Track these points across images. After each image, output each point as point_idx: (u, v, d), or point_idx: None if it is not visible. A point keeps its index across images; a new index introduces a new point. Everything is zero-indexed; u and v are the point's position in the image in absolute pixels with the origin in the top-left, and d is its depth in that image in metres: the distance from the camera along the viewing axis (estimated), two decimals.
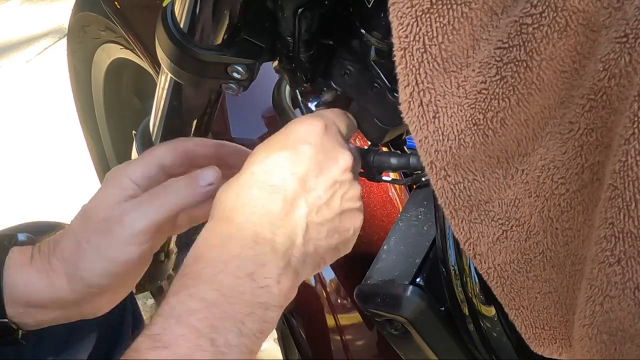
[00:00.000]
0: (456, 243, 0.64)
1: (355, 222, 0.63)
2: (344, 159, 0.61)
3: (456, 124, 0.50)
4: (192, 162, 0.68)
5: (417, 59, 0.49)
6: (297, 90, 0.86)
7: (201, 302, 0.53)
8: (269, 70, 0.73)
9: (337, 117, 0.64)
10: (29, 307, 0.67)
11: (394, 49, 0.49)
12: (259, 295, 0.55)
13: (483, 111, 0.50)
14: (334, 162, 0.60)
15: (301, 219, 0.58)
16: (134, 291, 1.28)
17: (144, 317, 1.23)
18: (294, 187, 0.58)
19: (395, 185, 0.96)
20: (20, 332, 0.69)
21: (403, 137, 0.78)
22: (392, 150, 0.80)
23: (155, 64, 1.00)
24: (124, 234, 0.63)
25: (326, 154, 0.60)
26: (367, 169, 0.72)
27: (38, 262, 0.67)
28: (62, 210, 1.24)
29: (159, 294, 1.35)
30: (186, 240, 1.03)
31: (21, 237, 0.71)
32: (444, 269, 0.68)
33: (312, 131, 0.60)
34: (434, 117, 0.50)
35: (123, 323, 1.03)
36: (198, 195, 0.64)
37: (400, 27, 0.48)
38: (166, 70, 0.73)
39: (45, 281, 0.66)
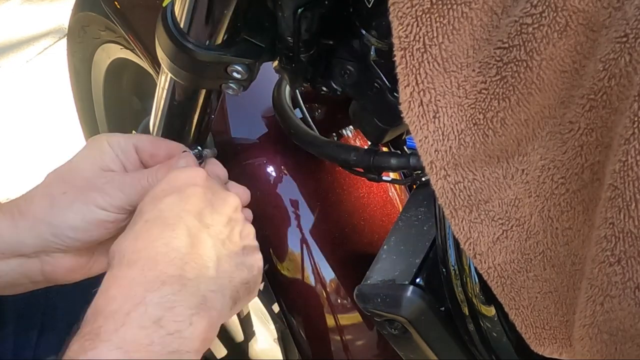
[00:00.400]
0: (456, 243, 0.64)
1: (257, 261, 0.63)
2: (233, 199, 0.63)
3: (456, 124, 0.50)
4: (162, 156, 0.68)
5: (417, 59, 0.49)
6: (297, 91, 0.86)
7: None
8: (269, 70, 0.73)
9: (213, 166, 0.67)
10: None
11: (394, 49, 0.49)
12: (168, 344, 0.50)
13: (483, 111, 0.50)
14: (223, 201, 0.62)
15: (210, 250, 0.57)
16: None
17: None
18: (193, 222, 0.57)
19: (395, 185, 0.96)
20: None
21: (403, 137, 0.78)
22: (392, 150, 0.80)
23: (155, 64, 1.00)
24: (102, 200, 0.63)
25: (214, 194, 0.61)
26: (367, 169, 0.72)
27: (5, 206, 0.66)
28: None
29: None
30: None
31: None
32: (444, 269, 0.67)
33: (196, 175, 0.61)
34: (434, 117, 0.50)
35: None
36: None
37: (401, 27, 0.48)
38: (166, 70, 0.73)
39: (8, 222, 0.64)
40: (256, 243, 0.65)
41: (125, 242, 0.56)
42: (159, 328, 0.50)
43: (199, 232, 0.57)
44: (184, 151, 0.66)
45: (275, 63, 0.70)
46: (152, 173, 0.64)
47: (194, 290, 0.53)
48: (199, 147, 0.66)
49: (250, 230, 0.65)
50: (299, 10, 0.61)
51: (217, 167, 0.68)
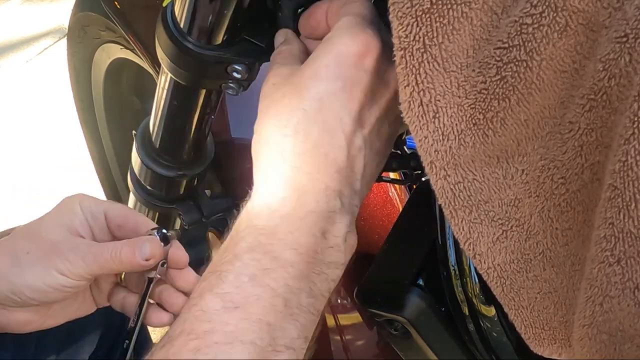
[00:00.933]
0: (456, 243, 0.64)
1: (390, 125, 0.58)
2: (395, 81, 0.53)
3: (456, 124, 0.50)
4: (129, 229, 0.69)
5: (417, 59, 0.49)
6: None
7: (277, 260, 0.51)
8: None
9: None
10: None
11: (394, 49, 0.49)
12: (329, 254, 0.53)
13: (483, 111, 0.50)
14: (385, 86, 0.55)
15: (359, 162, 0.55)
16: None
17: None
18: (351, 126, 0.54)
19: (395, 185, 0.96)
20: None
21: (403, 137, 0.78)
22: (392, 150, 0.80)
23: (155, 64, 1.00)
24: (63, 267, 0.64)
25: (380, 76, 0.55)
26: None
27: None
28: None
29: None
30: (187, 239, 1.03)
31: None
32: (444, 269, 0.67)
33: (368, 54, 0.53)
34: (434, 117, 0.50)
35: (125, 323, 1.02)
36: (137, 267, 0.65)
37: (400, 27, 0.48)
38: (166, 70, 0.73)
39: None
40: (398, 114, 0.54)
41: (289, 138, 0.53)
42: (324, 239, 0.53)
43: (353, 138, 0.54)
44: (150, 233, 0.67)
45: None
46: (116, 249, 0.65)
47: (348, 208, 0.54)
48: (164, 230, 0.68)
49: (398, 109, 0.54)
50: (299, 10, 0.61)
51: (180, 251, 0.67)
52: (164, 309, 0.68)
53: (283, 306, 0.50)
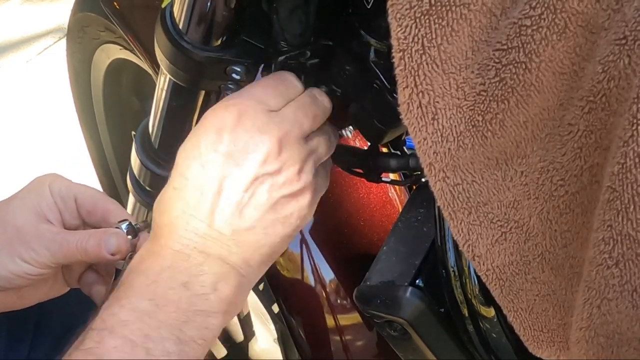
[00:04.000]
0: (455, 244, 0.64)
1: (296, 209, 0.57)
2: (264, 146, 0.54)
3: (455, 126, 0.50)
4: (98, 216, 0.68)
5: (416, 61, 0.49)
6: None
7: (133, 312, 0.52)
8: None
9: (264, 92, 0.58)
10: None
11: (392, 51, 0.49)
12: (195, 303, 0.54)
13: (482, 113, 0.50)
14: (250, 155, 0.55)
15: (226, 226, 0.55)
16: None
17: None
18: (212, 186, 0.55)
19: (395, 186, 0.96)
20: None
21: (402, 138, 0.77)
22: (392, 151, 0.80)
23: (155, 65, 1.00)
24: (27, 255, 0.63)
25: (242, 146, 0.55)
26: (366, 170, 0.72)
27: None
28: None
29: None
30: None
31: None
32: (443, 271, 0.67)
33: (223, 123, 0.55)
34: (433, 119, 0.50)
35: None
36: (103, 260, 0.64)
37: (399, 29, 0.48)
38: (165, 71, 0.73)
39: None
40: (297, 185, 0.56)
41: (160, 214, 0.57)
42: (185, 289, 0.54)
43: (215, 203, 0.55)
44: (117, 225, 0.66)
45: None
46: (82, 240, 0.64)
47: (216, 261, 0.55)
48: (132, 222, 0.66)
49: (288, 174, 0.56)
50: (295, 10, 0.61)
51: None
52: None
53: (145, 354, 0.51)
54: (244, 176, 0.55)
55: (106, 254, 0.64)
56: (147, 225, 0.67)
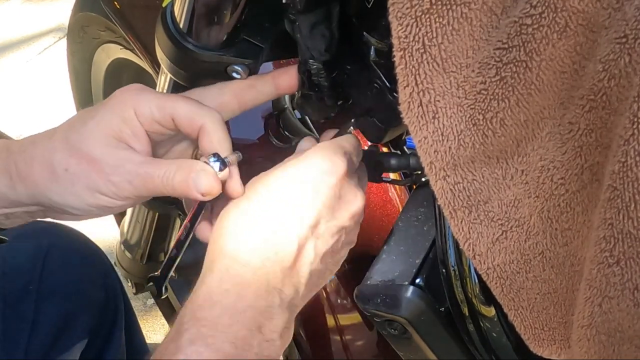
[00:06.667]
0: (456, 243, 0.64)
1: (344, 256, 0.62)
2: (356, 205, 0.60)
3: (456, 125, 0.50)
4: (194, 136, 0.61)
5: (417, 60, 0.49)
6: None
7: (217, 353, 0.52)
8: (268, 71, 0.73)
9: (354, 149, 0.62)
10: None
11: (393, 50, 0.49)
12: (265, 348, 0.54)
13: (482, 111, 0.50)
14: (345, 207, 0.59)
15: (306, 267, 0.57)
16: (134, 291, 1.29)
17: (139, 318, 1.23)
18: (306, 232, 0.57)
19: (395, 185, 0.96)
20: None
21: (403, 137, 0.78)
22: (392, 150, 0.80)
23: (155, 64, 1.00)
24: (106, 189, 0.58)
25: (342, 197, 0.59)
26: (367, 169, 0.72)
27: (3, 162, 0.60)
28: None
29: (159, 295, 1.36)
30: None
31: None
32: (443, 270, 0.67)
33: (335, 171, 0.58)
34: (434, 118, 0.50)
35: (115, 324, 1.03)
36: (192, 197, 0.59)
37: (400, 28, 0.48)
38: (166, 71, 0.73)
39: (6, 181, 0.60)
40: (354, 239, 0.62)
41: (241, 231, 0.56)
42: (260, 334, 0.54)
43: (306, 245, 0.57)
44: (206, 161, 0.59)
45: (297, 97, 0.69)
46: (168, 174, 0.58)
47: (287, 306, 0.56)
48: (223, 156, 0.60)
49: (354, 230, 0.62)
50: (317, 27, 0.61)
51: (237, 185, 0.60)
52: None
53: None
54: (338, 222, 0.59)
55: (196, 193, 0.58)
56: (239, 157, 0.61)
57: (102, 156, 0.57)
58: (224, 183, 0.59)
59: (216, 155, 0.59)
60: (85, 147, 0.58)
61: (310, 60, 0.64)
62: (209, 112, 0.60)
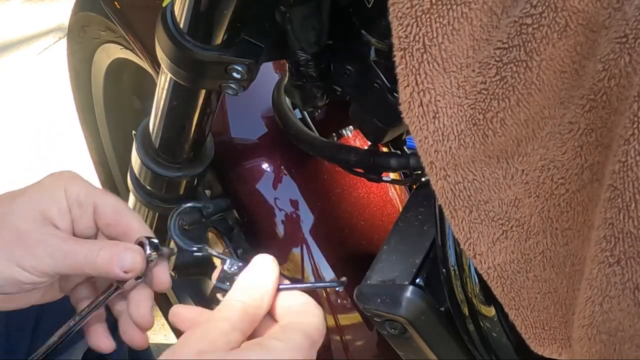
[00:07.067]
0: (456, 243, 0.64)
1: None
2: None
3: (456, 124, 0.50)
4: (119, 231, 0.62)
5: (417, 59, 0.49)
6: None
7: None
8: (269, 70, 0.73)
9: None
10: None
11: (393, 49, 0.49)
12: None
13: (483, 111, 0.50)
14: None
15: None
16: None
17: None
18: None
19: (395, 185, 0.96)
20: None
21: (403, 137, 0.78)
22: (392, 150, 0.80)
23: (155, 64, 1.00)
24: (26, 263, 0.57)
25: None
26: (367, 169, 0.72)
27: None
28: None
29: (159, 296, 1.36)
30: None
31: None
32: (443, 269, 0.67)
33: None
34: (434, 118, 0.50)
35: (117, 326, 1.03)
36: (113, 276, 0.59)
37: (400, 28, 0.48)
38: (166, 71, 0.73)
39: None
40: None
41: None
42: None
43: None
44: (140, 241, 0.59)
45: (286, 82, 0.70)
46: (92, 252, 0.58)
47: None
48: (157, 243, 0.59)
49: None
50: (308, 19, 0.61)
51: (164, 275, 0.59)
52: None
53: None
54: None
55: (118, 271, 0.58)
56: (172, 253, 0.61)
57: (28, 230, 0.58)
58: (151, 271, 0.59)
59: (150, 239, 0.60)
60: (12, 219, 0.58)
61: (299, 52, 0.64)
62: (136, 215, 0.62)
